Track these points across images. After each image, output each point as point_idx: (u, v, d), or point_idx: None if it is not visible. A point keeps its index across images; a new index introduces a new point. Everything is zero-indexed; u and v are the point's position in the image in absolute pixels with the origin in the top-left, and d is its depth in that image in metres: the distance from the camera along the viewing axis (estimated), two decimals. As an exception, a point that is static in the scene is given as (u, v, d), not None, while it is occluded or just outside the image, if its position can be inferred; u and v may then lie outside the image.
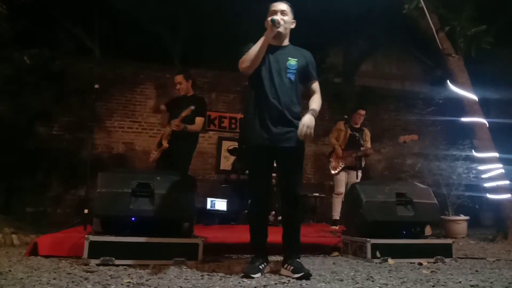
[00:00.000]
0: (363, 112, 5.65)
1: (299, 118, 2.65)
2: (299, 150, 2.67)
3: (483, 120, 5.45)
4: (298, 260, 2.59)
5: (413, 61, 10.70)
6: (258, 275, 2.50)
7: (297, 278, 2.42)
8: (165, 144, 4.28)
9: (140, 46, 8.42)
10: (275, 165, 2.76)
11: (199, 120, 4.26)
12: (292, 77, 2.68)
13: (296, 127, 2.59)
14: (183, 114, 4.07)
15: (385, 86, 9.88)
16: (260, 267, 2.56)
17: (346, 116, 5.58)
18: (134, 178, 3.09)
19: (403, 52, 10.55)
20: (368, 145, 5.55)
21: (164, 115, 4.54)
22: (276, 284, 2.33)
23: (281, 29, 2.65)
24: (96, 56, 8.54)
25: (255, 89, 2.69)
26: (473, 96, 5.49)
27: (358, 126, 5.58)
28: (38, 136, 6.86)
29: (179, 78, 4.40)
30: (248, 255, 3.46)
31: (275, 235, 3.76)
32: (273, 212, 5.90)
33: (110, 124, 7.28)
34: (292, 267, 2.51)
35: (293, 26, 2.76)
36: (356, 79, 10.02)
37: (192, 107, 4.08)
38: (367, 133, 5.61)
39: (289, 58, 2.69)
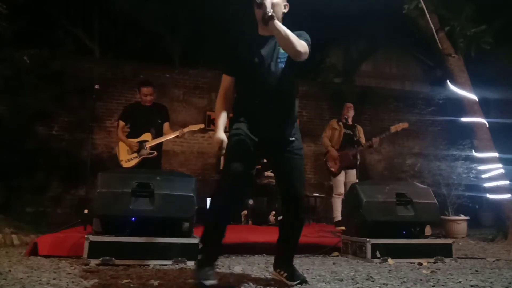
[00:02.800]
0: (350, 104, 5.65)
1: (294, 114, 2.41)
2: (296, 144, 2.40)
3: (483, 120, 5.45)
4: (292, 265, 2.41)
5: (413, 61, 10.71)
6: (214, 282, 2.15)
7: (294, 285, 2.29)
8: (154, 152, 4.49)
9: (140, 46, 8.42)
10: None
11: (167, 125, 4.66)
12: (282, 65, 2.33)
13: (294, 121, 2.40)
14: (193, 128, 4.69)
15: (385, 86, 9.89)
16: (209, 272, 2.17)
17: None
18: (134, 178, 3.09)
19: (403, 52, 10.56)
20: (363, 140, 5.49)
21: (121, 123, 4.65)
22: (275, 284, 2.33)
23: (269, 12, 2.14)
24: (96, 56, 8.54)
25: (243, 90, 2.41)
26: (473, 96, 5.49)
27: (351, 122, 5.54)
28: (38, 136, 6.86)
29: (150, 90, 4.56)
30: (247, 255, 3.49)
31: (275, 235, 3.76)
32: (273, 212, 5.90)
33: (110, 124, 7.27)
34: (285, 274, 2.36)
35: (285, 10, 2.41)
36: (356, 79, 10.03)
37: (202, 126, 4.92)
38: (360, 129, 5.54)
39: (279, 47, 2.31)
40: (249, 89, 2.36)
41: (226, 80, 2.44)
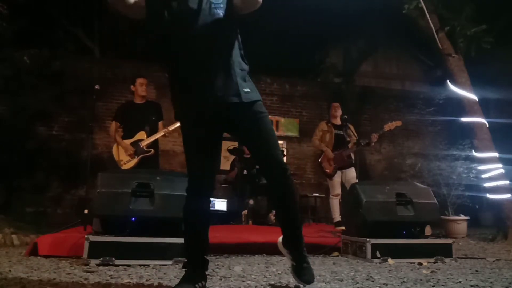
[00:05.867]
0: (336, 104, 5.65)
1: (241, 65, 2.06)
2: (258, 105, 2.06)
3: (483, 120, 5.45)
4: (301, 251, 2.09)
5: (413, 61, 10.70)
6: None
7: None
8: (151, 150, 4.46)
9: (140, 46, 8.41)
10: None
11: (161, 124, 4.61)
12: (221, 12, 2.00)
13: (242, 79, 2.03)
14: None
15: (385, 86, 9.88)
16: (197, 286, 1.98)
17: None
18: (134, 178, 3.09)
19: (403, 52, 10.55)
20: (354, 138, 5.43)
21: (116, 123, 4.61)
22: (275, 284, 2.33)
23: None
24: (96, 56, 8.54)
25: (176, 48, 2.04)
26: (473, 96, 5.49)
27: (340, 123, 5.51)
28: (38, 136, 6.86)
29: (145, 80, 4.63)
30: (247, 255, 3.49)
31: (275, 235, 3.75)
32: (274, 212, 5.90)
33: (110, 124, 7.28)
34: (294, 263, 2.09)
35: None
36: (356, 79, 10.03)
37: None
38: (351, 127, 5.53)
39: None
40: (182, 48, 2.00)
41: None
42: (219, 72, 1.98)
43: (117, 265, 2.82)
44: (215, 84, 1.97)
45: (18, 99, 6.38)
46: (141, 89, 4.58)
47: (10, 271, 2.55)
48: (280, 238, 2.20)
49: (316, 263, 3.13)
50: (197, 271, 2.05)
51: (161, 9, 2.00)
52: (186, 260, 2.10)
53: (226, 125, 2.07)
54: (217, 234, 3.54)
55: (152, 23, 2.05)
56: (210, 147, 2.08)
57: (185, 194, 2.08)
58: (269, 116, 2.14)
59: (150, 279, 2.41)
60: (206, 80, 1.98)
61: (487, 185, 5.35)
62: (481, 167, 5.46)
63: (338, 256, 3.65)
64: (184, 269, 2.09)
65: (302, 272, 2.05)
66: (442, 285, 2.33)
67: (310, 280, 2.04)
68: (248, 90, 2.03)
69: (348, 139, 5.36)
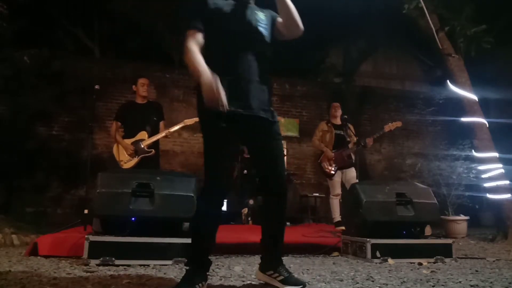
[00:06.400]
0: (337, 104, 5.67)
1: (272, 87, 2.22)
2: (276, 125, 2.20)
3: (483, 120, 5.45)
4: (284, 265, 2.19)
5: (413, 61, 10.71)
6: None
7: None
8: (152, 150, 4.48)
9: (140, 46, 8.42)
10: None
11: (162, 124, 4.65)
12: (264, 32, 2.17)
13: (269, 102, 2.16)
14: (177, 127, 4.63)
15: (385, 86, 9.88)
16: (197, 286, 1.99)
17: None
18: (134, 178, 3.09)
19: (403, 52, 10.56)
20: (354, 138, 5.41)
21: (117, 123, 4.62)
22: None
23: None
24: (96, 56, 8.54)
25: (221, 52, 2.10)
26: (473, 96, 5.49)
27: (340, 123, 5.52)
28: (38, 136, 6.86)
29: (147, 80, 4.68)
30: (247, 255, 3.48)
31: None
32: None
33: (110, 124, 7.28)
34: (281, 277, 2.13)
35: None
36: (356, 79, 10.03)
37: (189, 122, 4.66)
38: (350, 127, 5.52)
39: (257, 12, 2.18)
40: (230, 51, 2.09)
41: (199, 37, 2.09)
42: (256, 85, 2.09)
43: (117, 265, 2.82)
44: (251, 94, 2.06)
45: (18, 99, 6.38)
46: (142, 89, 4.59)
47: (10, 271, 2.55)
48: (257, 270, 2.28)
49: (316, 263, 3.13)
50: (198, 271, 2.07)
51: (221, 27, 2.11)
52: (187, 259, 2.12)
53: (243, 133, 2.13)
54: (217, 234, 3.54)
55: (212, 41, 2.11)
56: (232, 150, 2.18)
57: (189, 194, 2.11)
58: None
59: (150, 279, 2.41)
60: (244, 88, 2.06)
61: (487, 185, 5.35)
62: (481, 167, 5.46)
63: (338, 256, 3.65)
64: (185, 268, 2.09)
65: (292, 279, 2.12)
66: (442, 285, 2.33)
67: (303, 280, 2.15)
68: (273, 110, 2.18)
69: (348, 139, 5.35)
